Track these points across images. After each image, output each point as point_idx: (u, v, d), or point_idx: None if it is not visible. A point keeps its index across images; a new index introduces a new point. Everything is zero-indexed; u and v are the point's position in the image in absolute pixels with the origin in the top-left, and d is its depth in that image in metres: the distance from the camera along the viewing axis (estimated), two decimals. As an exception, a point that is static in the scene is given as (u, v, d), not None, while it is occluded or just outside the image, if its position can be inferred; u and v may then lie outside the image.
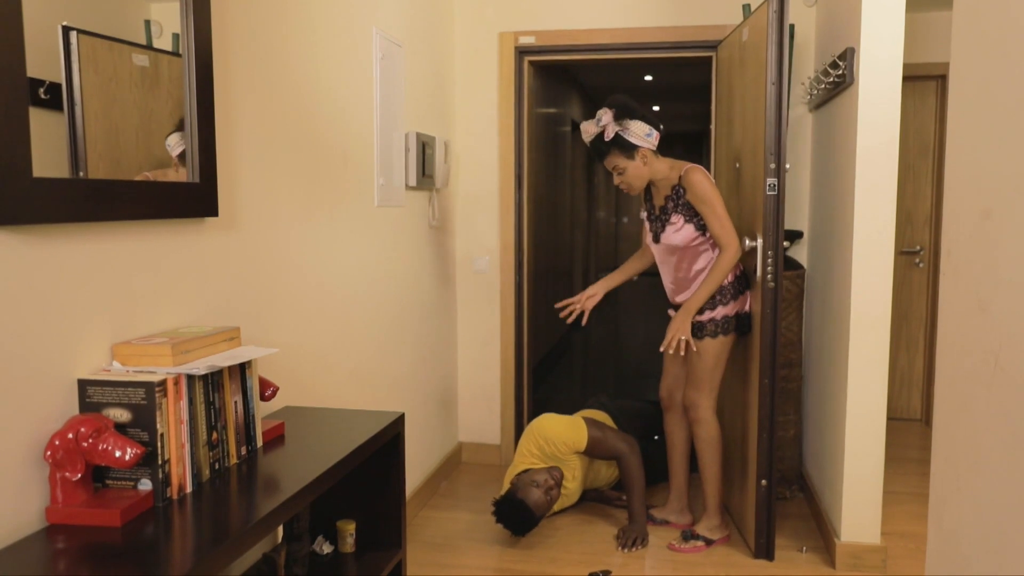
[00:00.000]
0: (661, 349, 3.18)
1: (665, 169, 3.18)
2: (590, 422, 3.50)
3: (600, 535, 3.39)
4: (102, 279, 1.63)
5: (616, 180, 3.21)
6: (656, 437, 3.94)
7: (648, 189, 3.29)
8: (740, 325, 3.19)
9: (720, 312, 3.15)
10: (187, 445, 1.60)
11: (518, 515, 3.26)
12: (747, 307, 3.20)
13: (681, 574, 3.05)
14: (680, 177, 3.13)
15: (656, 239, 3.25)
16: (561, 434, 3.44)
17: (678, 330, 3.12)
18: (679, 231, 3.14)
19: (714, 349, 3.17)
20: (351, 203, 2.87)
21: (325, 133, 2.65)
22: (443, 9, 3.98)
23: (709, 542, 3.26)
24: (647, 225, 3.33)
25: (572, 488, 3.56)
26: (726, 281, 3.15)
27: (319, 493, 1.74)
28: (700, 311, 3.15)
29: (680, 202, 3.13)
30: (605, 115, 3.10)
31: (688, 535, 3.27)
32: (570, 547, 3.28)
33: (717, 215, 3.06)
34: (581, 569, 3.08)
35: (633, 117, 3.10)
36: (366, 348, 3.04)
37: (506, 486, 3.44)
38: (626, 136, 3.08)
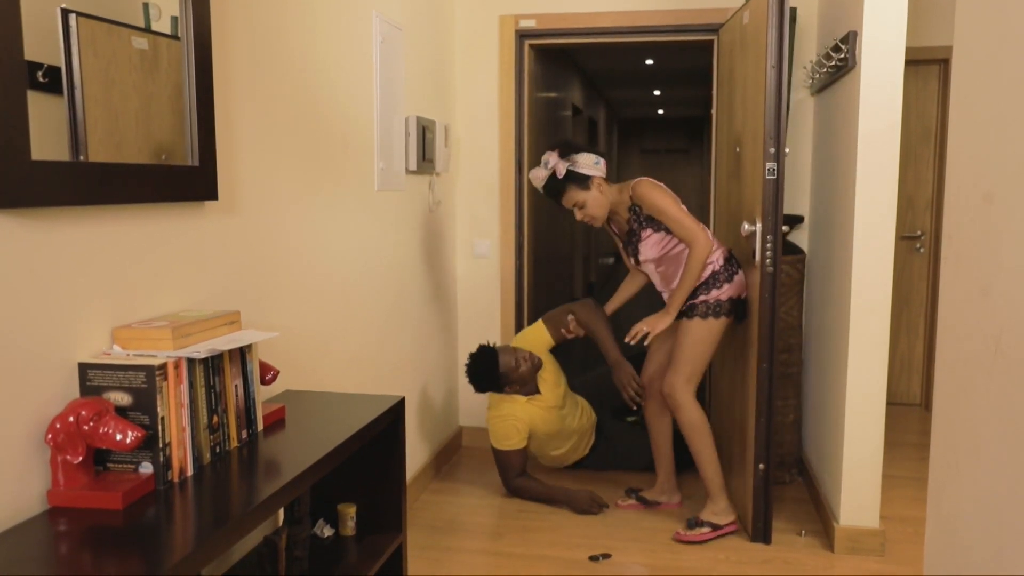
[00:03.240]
0: (627, 339, 3.20)
1: (616, 193, 3.25)
2: (545, 317, 3.75)
3: (600, 519, 3.41)
4: (102, 262, 1.63)
5: (579, 216, 3.24)
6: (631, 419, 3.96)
7: (608, 222, 3.34)
8: (736, 310, 3.17)
9: (713, 295, 3.14)
10: (188, 428, 1.61)
11: (483, 363, 3.52)
12: (743, 293, 3.19)
13: (680, 557, 3.07)
14: (631, 196, 3.20)
15: (637, 261, 3.32)
16: (525, 334, 3.75)
17: (649, 323, 3.14)
18: (649, 241, 3.21)
19: (702, 331, 3.15)
20: (351, 187, 2.87)
21: (325, 117, 2.64)
22: (443, -8, 3.96)
23: (716, 527, 3.19)
24: (624, 254, 3.40)
25: (550, 397, 3.64)
26: (717, 267, 3.15)
27: (320, 477, 1.75)
28: (693, 294, 3.15)
29: (642, 217, 3.20)
30: (551, 157, 3.19)
31: (693, 522, 3.21)
32: (570, 530, 3.30)
33: (673, 218, 3.11)
34: (581, 553, 3.09)
35: (577, 151, 3.18)
36: (367, 332, 3.05)
37: None
38: (577, 169, 3.15)
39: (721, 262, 3.17)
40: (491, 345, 3.58)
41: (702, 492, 3.34)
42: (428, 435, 3.86)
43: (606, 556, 3.04)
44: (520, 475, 3.60)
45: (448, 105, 4.06)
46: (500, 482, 3.68)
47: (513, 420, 3.53)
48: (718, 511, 3.23)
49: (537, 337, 3.69)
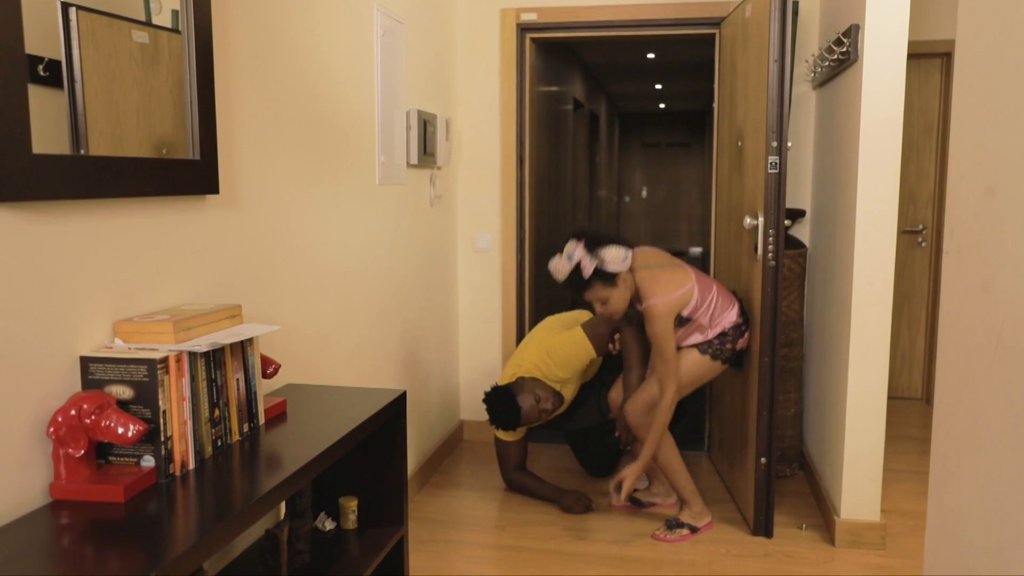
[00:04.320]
0: (611, 504, 3.21)
1: (634, 289, 3.08)
2: (586, 327, 3.41)
3: (600, 513, 3.41)
4: (103, 256, 1.63)
5: (598, 310, 3.09)
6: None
7: None
8: (736, 359, 3.18)
9: (724, 342, 3.13)
10: (189, 422, 1.61)
11: (505, 410, 3.31)
12: (746, 344, 3.18)
13: (682, 551, 3.07)
14: (642, 308, 3.07)
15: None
16: (563, 344, 3.38)
17: (629, 480, 3.07)
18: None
19: (701, 363, 3.13)
20: (352, 181, 2.87)
21: (326, 111, 2.64)
22: (444, -15, 3.95)
23: (694, 529, 3.20)
24: None
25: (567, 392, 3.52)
26: (727, 326, 3.10)
27: (321, 470, 1.75)
28: (706, 335, 3.12)
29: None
30: (577, 250, 2.98)
31: (673, 524, 3.21)
32: (570, 524, 3.30)
33: (662, 355, 3.01)
34: (581, 547, 3.10)
35: (604, 244, 2.98)
36: (367, 326, 3.05)
37: (506, 378, 3.46)
38: (606, 267, 2.96)
39: (733, 319, 3.13)
40: (512, 387, 3.34)
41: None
42: (429, 429, 3.87)
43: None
44: (516, 468, 3.59)
45: (449, 99, 4.05)
46: (501, 476, 3.69)
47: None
48: (695, 514, 3.23)
49: (578, 345, 3.38)
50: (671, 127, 14.37)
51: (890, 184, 2.92)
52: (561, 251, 3.04)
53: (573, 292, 3.09)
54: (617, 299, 3.04)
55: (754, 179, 3.17)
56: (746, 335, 3.16)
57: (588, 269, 2.97)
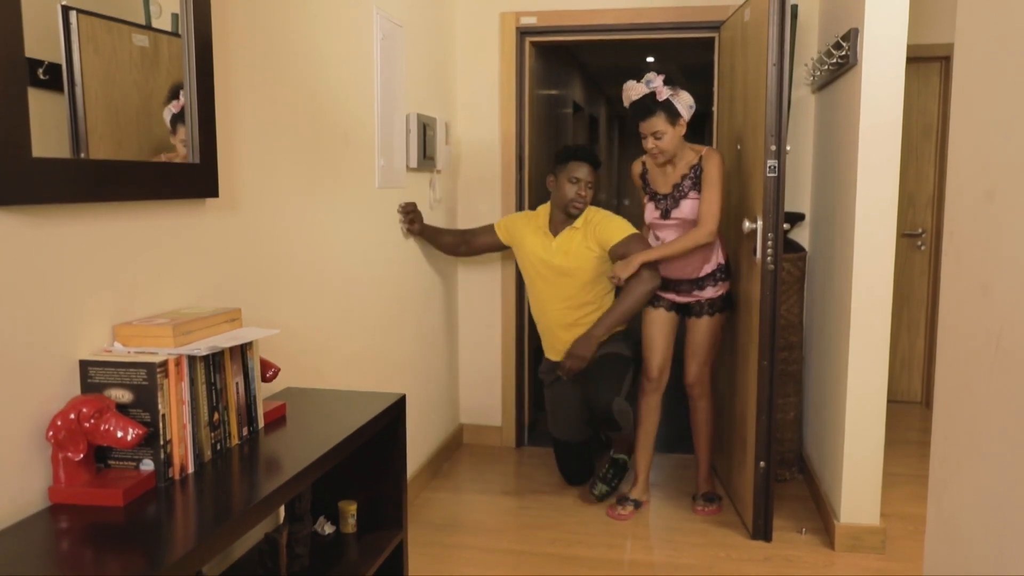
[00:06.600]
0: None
1: (683, 147, 3.29)
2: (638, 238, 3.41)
3: (600, 518, 3.41)
4: (103, 260, 1.63)
5: (650, 144, 3.23)
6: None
7: (644, 174, 3.44)
8: (731, 304, 3.40)
9: (721, 289, 3.33)
10: (189, 426, 1.61)
11: (583, 146, 3.52)
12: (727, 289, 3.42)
13: (680, 554, 3.07)
14: (701, 157, 3.25)
15: (666, 215, 3.33)
16: (613, 222, 3.46)
17: (627, 267, 3.22)
18: (695, 202, 3.26)
19: (715, 325, 3.36)
20: (352, 185, 2.87)
21: (326, 114, 2.64)
22: (444, -11, 3.95)
23: (721, 501, 3.48)
24: (650, 205, 3.41)
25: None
26: (719, 263, 3.32)
27: (321, 474, 1.75)
28: (701, 288, 3.32)
29: (698, 180, 3.25)
30: (656, 79, 3.20)
31: (712, 497, 3.45)
32: (570, 527, 3.30)
33: (715, 197, 3.20)
34: (580, 550, 3.09)
35: (678, 87, 3.21)
36: (367, 330, 3.05)
37: None
38: (676, 103, 3.17)
39: (723, 261, 3.35)
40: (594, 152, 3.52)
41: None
42: (429, 432, 3.87)
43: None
44: (454, 232, 3.74)
45: (449, 102, 4.05)
46: (501, 480, 3.70)
47: (510, 216, 3.73)
48: (716, 483, 3.55)
49: (620, 228, 3.41)
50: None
51: (889, 187, 2.92)
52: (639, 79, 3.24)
53: (634, 116, 3.24)
54: (670, 140, 3.21)
55: (753, 183, 3.18)
56: (730, 279, 3.38)
57: (663, 94, 3.17)
